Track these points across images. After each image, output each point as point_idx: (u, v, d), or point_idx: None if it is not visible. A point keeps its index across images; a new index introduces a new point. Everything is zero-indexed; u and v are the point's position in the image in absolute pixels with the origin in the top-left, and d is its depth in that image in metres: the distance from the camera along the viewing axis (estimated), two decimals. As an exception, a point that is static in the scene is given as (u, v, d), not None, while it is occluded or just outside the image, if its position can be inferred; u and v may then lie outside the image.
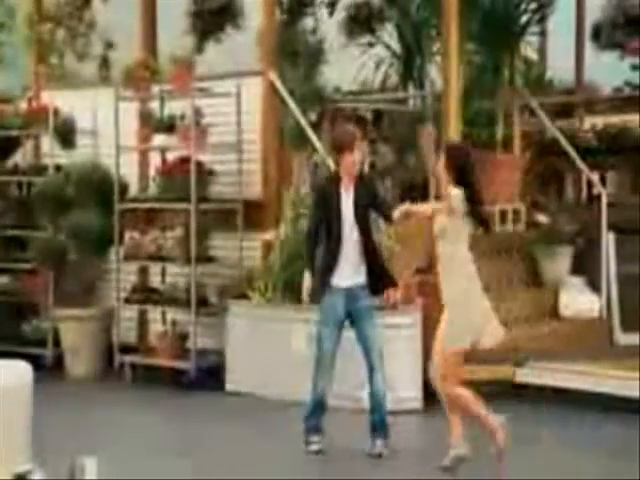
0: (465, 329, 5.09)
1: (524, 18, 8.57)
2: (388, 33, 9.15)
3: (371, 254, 5.55)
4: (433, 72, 8.71)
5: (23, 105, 8.79)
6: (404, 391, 6.55)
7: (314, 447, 5.61)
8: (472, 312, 5.08)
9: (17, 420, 3.28)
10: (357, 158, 5.52)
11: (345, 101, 8.89)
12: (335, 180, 5.63)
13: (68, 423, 6.32)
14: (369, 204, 5.57)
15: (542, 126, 8.92)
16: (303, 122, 7.53)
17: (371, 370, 5.55)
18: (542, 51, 10.03)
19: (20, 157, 8.97)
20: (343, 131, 5.77)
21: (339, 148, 5.59)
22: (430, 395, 6.64)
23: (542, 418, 6.46)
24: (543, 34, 9.71)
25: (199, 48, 8.36)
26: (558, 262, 8.12)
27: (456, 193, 5.05)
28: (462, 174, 5.07)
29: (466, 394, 5.17)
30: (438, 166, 5.20)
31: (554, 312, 7.95)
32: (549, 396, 6.77)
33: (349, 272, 5.51)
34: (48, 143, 8.46)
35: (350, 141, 5.54)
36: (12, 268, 8.62)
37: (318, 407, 5.61)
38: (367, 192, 5.58)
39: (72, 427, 6.23)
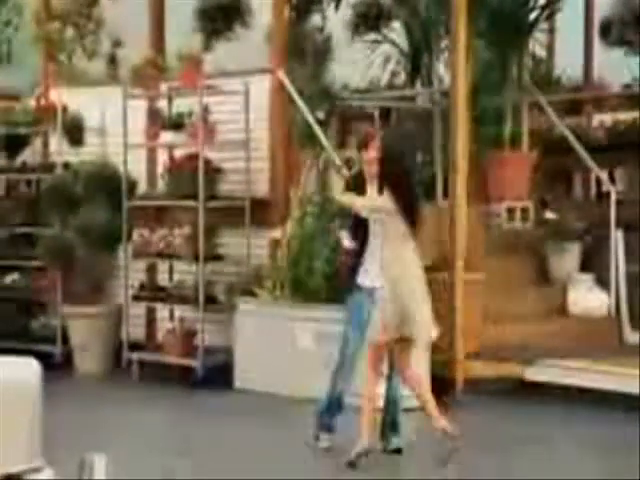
0: None
1: (532, 15, 8.55)
2: (396, 31, 9.13)
3: None
4: (441, 69, 8.69)
5: (32, 103, 8.81)
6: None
7: (323, 444, 5.61)
8: None
9: (26, 417, 3.29)
10: (373, 156, 5.49)
11: (353, 99, 8.88)
12: (362, 178, 5.63)
13: (77, 420, 6.34)
14: None
15: (550, 123, 8.90)
16: (311, 120, 7.52)
17: (389, 374, 5.54)
18: (550, 48, 9.99)
19: (29, 155, 8.99)
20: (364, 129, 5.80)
21: (361, 146, 5.58)
22: (438, 391, 6.64)
23: (550, 416, 6.45)
24: (551, 31, 9.67)
25: (207, 46, 8.37)
26: (567, 259, 8.10)
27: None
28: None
29: None
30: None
31: (563, 310, 7.93)
32: (558, 394, 6.75)
33: (375, 272, 5.42)
34: (56, 141, 8.48)
35: (368, 139, 5.54)
36: (21, 265, 8.64)
37: (334, 406, 5.59)
38: None
39: (80, 424, 6.25)
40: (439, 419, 5.25)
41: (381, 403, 5.62)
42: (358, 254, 5.48)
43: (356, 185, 5.58)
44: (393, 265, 5.20)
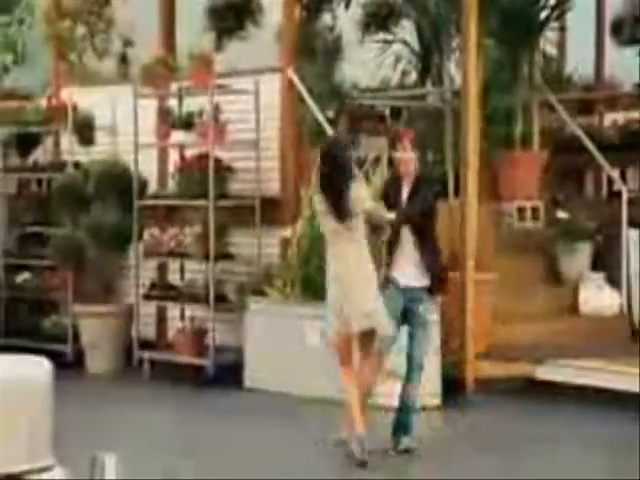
0: None
1: (543, 14, 8.52)
2: (407, 30, 9.12)
3: (427, 255, 5.43)
4: (452, 68, 8.67)
5: (43, 102, 8.83)
6: (422, 387, 6.53)
7: (402, 446, 5.53)
8: None
9: (37, 416, 3.30)
10: (409, 156, 5.47)
11: (363, 98, 8.87)
12: (396, 178, 5.64)
13: (88, 419, 6.35)
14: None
15: (562, 122, 8.87)
16: (321, 119, 7.52)
17: (407, 378, 5.56)
18: (561, 46, 9.95)
19: (40, 154, 9.02)
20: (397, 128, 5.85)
21: (393, 146, 5.60)
22: (449, 391, 6.64)
23: (561, 416, 6.43)
24: (562, 29, 9.63)
25: (219, 46, 8.37)
26: (578, 259, 8.07)
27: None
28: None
29: None
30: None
31: (574, 309, 7.91)
32: (569, 394, 6.73)
33: (410, 272, 5.44)
34: (67, 140, 8.50)
35: (398, 138, 5.55)
36: (32, 265, 8.67)
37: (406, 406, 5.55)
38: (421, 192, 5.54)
39: (91, 423, 6.26)
40: (359, 425, 5.26)
41: (395, 402, 5.63)
42: (390, 252, 5.50)
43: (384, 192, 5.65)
44: (336, 264, 5.30)
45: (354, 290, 5.25)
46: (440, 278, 5.56)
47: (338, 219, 5.25)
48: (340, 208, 5.24)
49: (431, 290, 5.51)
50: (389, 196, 5.64)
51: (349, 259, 5.26)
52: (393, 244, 5.52)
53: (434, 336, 6.59)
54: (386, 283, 5.48)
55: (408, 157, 5.46)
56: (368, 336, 5.30)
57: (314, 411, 6.51)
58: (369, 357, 5.40)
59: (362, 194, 5.35)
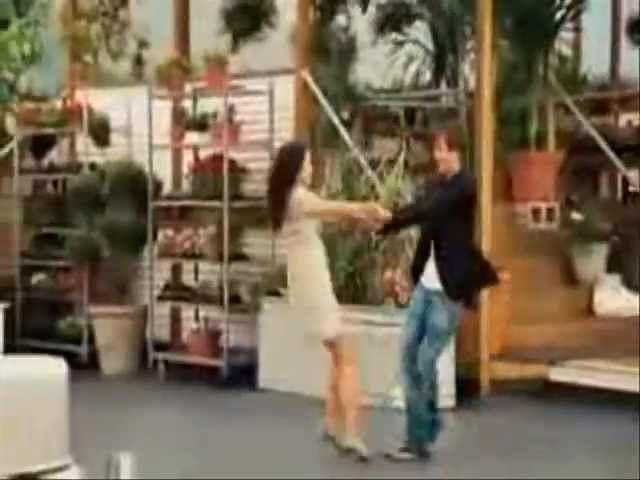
0: None
1: (559, 14, 8.49)
2: (421, 30, 9.11)
3: (440, 258, 5.38)
4: (466, 69, 8.65)
5: (58, 104, 8.87)
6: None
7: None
8: None
9: (53, 416, 3.32)
10: (443, 156, 5.45)
11: (377, 99, 8.87)
12: (431, 180, 5.68)
13: (103, 419, 6.38)
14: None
15: (577, 123, 8.83)
16: (335, 120, 7.52)
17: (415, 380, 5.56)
18: (576, 47, 9.92)
19: (55, 155, 9.06)
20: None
21: (431, 148, 5.63)
22: (463, 392, 6.62)
23: (576, 418, 6.41)
24: (577, 29, 9.60)
25: (234, 47, 8.39)
26: (593, 260, 8.03)
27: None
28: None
29: None
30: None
31: (589, 310, 7.87)
32: (583, 395, 6.71)
33: (430, 272, 5.42)
34: (83, 141, 8.54)
35: (433, 140, 5.58)
36: (47, 265, 8.70)
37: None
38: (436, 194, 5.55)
39: (106, 423, 6.28)
40: (354, 436, 5.27)
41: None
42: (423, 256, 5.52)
43: None
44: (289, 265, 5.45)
45: (304, 292, 5.37)
46: (462, 285, 5.41)
47: (272, 224, 5.42)
48: (273, 213, 5.40)
49: (451, 295, 5.40)
50: (426, 196, 5.64)
51: (298, 261, 5.36)
52: (419, 242, 5.57)
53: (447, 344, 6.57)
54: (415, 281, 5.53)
55: (443, 157, 5.47)
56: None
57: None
58: (339, 361, 5.40)
59: (306, 197, 5.38)
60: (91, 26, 9.11)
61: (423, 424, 5.45)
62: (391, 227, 5.55)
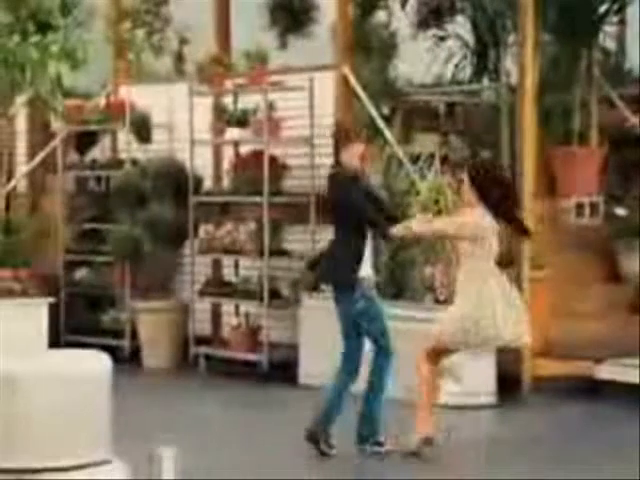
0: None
1: (602, 7, 8.37)
2: (462, 25, 9.04)
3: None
4: (508, 64, 8.57)
5: (101, 101, 8.96)
6: (478, 386, 6.48)
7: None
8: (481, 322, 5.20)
9: (96, 410, 3.35)
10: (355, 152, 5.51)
11: (418, 94, 8.82)
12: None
13: (143, 414, 6.43)
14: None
15: (621, 117, 8.71)
16: (376, 116, 7.50)
17: None
18: (620, 40, 9.76)
19: (98, 152, 9.15)
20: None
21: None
22: (505, 390, 6.57)
23: (621, 416, 6.32)
24: (621, 22, 9.45)
25: (281, 44, 8.41)
26: (637, 255, 7.91)
27: (464, 222, 5.25)
28: (484, 192, 5.26)
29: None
30: (464, 186, 5.33)
31: (633, 307, 7.75)
32: (627, 392, 6.61)
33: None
34: (125, 138, 8.61)
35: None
36: (91, 261, 8.80)
37: None
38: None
39: (147, 418, 6.34)
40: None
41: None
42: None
43: None
44: None
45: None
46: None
47: (522, 234, 5.57)
48: (515, 226, 5.50)
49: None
50: None
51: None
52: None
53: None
54: None
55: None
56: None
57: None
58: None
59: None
60: (134, 26, 9.17)
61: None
62: None
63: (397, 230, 5.44)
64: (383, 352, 5.46)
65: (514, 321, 5.24)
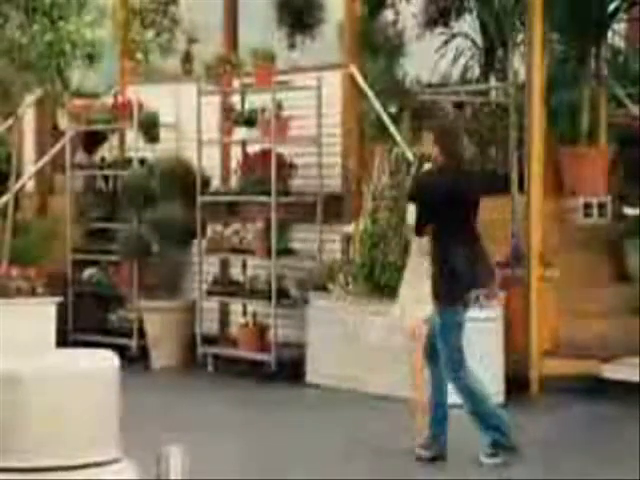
0: None
1: (612, 5, 8.34)
2: (470, 24, 9.02)
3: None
4: (516, 63, 8.55)
5: (109, 100, 8.98)
6: (486, 385, 6.46)
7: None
8: None
9: (104, 409, 3.35)
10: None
11: (425, 93, 8.81)
12: None
13: (151, 413, 6.44)
14: None
15: (630, 116, 8.68)
16: (383, 115, 7.49)
17: None
18: (629, 38, 9.72)
19: (106, 151, 9.16)
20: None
21: None
22: (512, 390, 6.55)
23: (629, 416, 6.30)
24: (630, 20, 9.41)
25: (290, 43, 8.41)
26: (646, 256, 7.89)
27: None
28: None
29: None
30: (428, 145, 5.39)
31: (641, 307, 7.73)
32: (636, 393, 6.59)
33: None
34: (133, 137, 8.62)
35: None
36: (99, 260, 8.82)
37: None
38: None
39: (155, 417, 6.34)
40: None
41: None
42: None
43: None
44: None
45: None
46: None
47: None
48: None
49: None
50: None
51: None
52: None
53: (497, 332, 6.51)
54: None
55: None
56: None
57: (375, 408, 6.49)
58: None
59: None
60: (142, 26, 9.19)
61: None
62: None
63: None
64: None
65: None
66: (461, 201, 5.30)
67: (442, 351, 5.28)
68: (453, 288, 5.21)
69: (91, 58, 7.68)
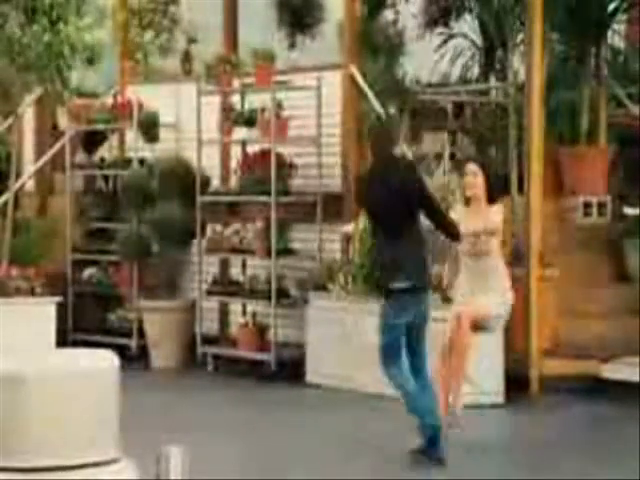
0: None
1: (611, 5, 8.34)
2: (469, 24, 9.02)
3: None
4: (515, 63, 8.55)
5: (109, 100, 8.98)
6: (486, 385, 6.47)
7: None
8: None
9: (104, 409, 3.35)
10: None
11: (425, 93, 8.82)
12: None
13: (151, 412, 6.44)
14: None
15: (630, 116, 8.68)
16: (383, 115, 7.49)
17: None
18: (629, 38, 9.71)
19: (106, 151, 9.16)
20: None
21: None
22: (512, 389, 6.56)
23: (628, 416, 6.30)
24: (630, 21, 9.41)
25: (291, 43, 8.41)
26: (646, 256, 7.89)
27: (500, 215, 5.48)
28: (492, 192, 5.52)
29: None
30: (476, 181, 5.45)
31: (640, 307, 7.73)
32: (636, 393, 6.59)
33: None
34: (132, 137, 8.62)
35: None
36: (98, 260, 8.81)
37: None
38: None
39: (155, 416, 6.35)
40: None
41: None
42: None
43: None
44: None
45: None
46: None
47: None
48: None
49: None
50: None
51: None
52: None
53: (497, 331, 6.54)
54: None
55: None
56: None
57: (375, 408, 6.49)
58: None
59: None
60: (142, 26, 9.19)
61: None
62: None
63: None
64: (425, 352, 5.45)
65: None
66: (381, 202, 5.31)
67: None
68: (378, 281, 5.43)
69: (90, 61, 7.71)
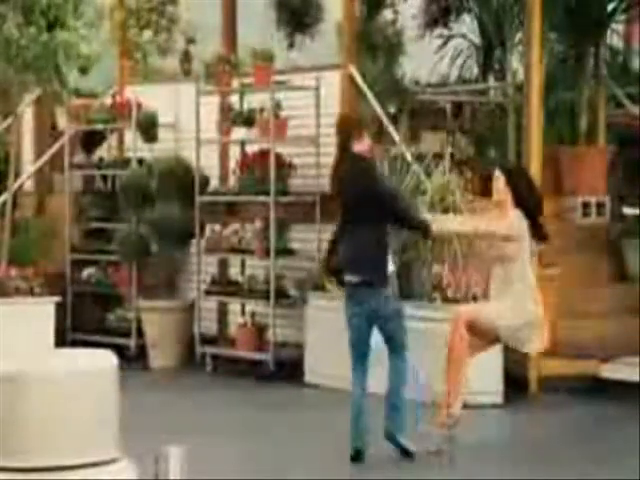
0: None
1: (610, 5, 8.35)
2: (467, 24, 9.03)
3: None
4: (514, 63, 8.56)
5: (108, 101, 8.97)
6: (485, 385, 6.47)
7: None
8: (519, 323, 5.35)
9: (103, 408, 3.35)
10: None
11: (424, 93, 8.82)
12: None
13: (150, 412, 6.44)
14: None
15: (629, 116, 8.69)
16: (382, 115, 7.49)
17: None
18: (628, 38, 9.72)
19: (105, 151, 9.16)
20: None
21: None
22: (512, 389, 6.55)
23: (627, 416, 6.30)
24: (629, 21, 9.42)
25: (290, 43, 8.42)
26: (644, 256, 7.89)
27: (511, 220, 5.31)
28: (522, 195, 5.35)
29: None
30: (499, 186, 5.34)
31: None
32: (633, 393, 6.60)
33: None
34: (131, 137, 8.62)
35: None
36: (97, 260, 8.82)
37: None
38: None
39: (153, 416, 6.34)
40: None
41: None
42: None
43: None
44: None
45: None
46: None
47: (541, 239, 5.52)
48: (539, 229, 5.46)
49: None
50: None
51: None
52: None
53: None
54: None
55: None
56: None
57: (374, 408, 6.49)
58: None
59: None
60: (140, 25, 9.19)
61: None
62: None
63: (436, 227, 5.38)
64: (403, 350, 5.42)
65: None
66: (342, 199, 5.51)
67: None
68: (335, 273, 5.55)
69: (83, 71, 7.73)
